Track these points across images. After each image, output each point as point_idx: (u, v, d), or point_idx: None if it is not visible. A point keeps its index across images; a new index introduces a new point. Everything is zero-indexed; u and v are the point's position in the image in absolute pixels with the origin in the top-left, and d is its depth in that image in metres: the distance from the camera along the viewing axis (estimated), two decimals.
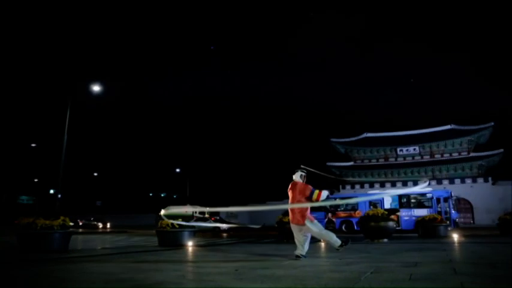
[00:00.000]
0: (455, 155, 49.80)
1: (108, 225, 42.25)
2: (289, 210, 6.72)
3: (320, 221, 23.44)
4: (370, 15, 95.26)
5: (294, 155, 78.18)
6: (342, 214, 24.29)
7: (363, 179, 53.05)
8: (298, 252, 6.52)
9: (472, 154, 48.54)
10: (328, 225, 23.15)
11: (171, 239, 10.96)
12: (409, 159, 52.21)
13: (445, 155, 50.45)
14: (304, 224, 6.48)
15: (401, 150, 53.03)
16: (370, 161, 55.17)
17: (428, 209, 21.48)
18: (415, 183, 48.17)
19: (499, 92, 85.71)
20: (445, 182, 46.65)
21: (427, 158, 51.36)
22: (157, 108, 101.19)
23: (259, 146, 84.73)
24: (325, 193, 6.70)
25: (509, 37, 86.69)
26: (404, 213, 22.35)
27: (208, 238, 17.63)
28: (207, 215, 31.02)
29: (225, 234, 23.83)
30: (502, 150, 45.91)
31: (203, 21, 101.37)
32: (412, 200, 22.81)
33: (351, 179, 51.54)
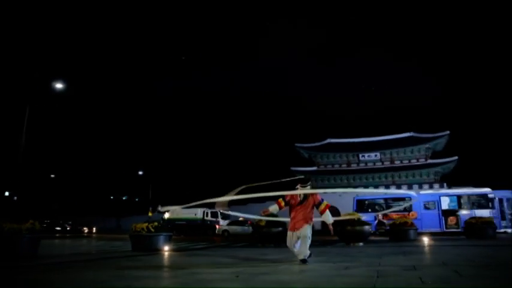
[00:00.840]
0: (414, 161, 51.48)
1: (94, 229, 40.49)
2: (292, 218, 6.59)
3: (369, 223, 22.70)
4: (331, 27, 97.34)
5: (259, 160, 78.25)
6: (394, 215, 22.21)
7: (325, 188, 53.73)
8: (302, 256, 6.36)
9: (429, 161, 50.33)
10: (379, 228, 21.80)
11: (147, 244, 10.50)
12: (370, 165, 53.42)
13: (404, 162, 52.03)
14: (302, 227, 6.34)
15: (363, 156, 54.19)
16: (333, 166, 56.03)
17: (491, 210, 20.35)
18: (376, 188, 49.56)
19: (455, 101, 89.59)
20: (404, 187, 48.06)
21: (387, 164, 52.78)
22: (119, 109, 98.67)
23: (224, 151, 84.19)
24: (329, 214, 6.63)
25: (467, 48, 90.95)
26: (464, 215, 20.82)
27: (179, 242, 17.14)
28: (241, 218, 30.31)
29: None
30: (456, 157, 47.97)
31: (171, 27, 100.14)
32: (473, 201, 21.60)
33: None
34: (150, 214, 37.53)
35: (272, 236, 13.24)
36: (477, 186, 34.10)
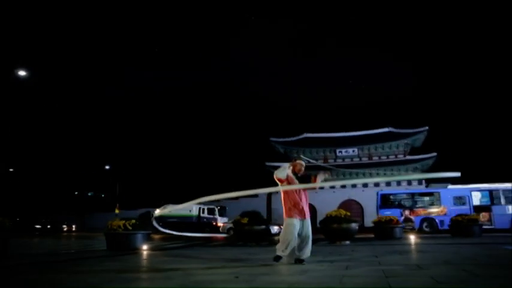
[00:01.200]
0: (392, 157, 52.44)
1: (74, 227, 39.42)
2: (296, 203, 6.03)
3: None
4: (309, 21, 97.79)
5: (233, 154, 77.94)
6: (422, 211, 22.28)
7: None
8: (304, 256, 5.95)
9: (408, 157, 51.38)
10: (406, 224, 21.19)
11: (124, 242, 10.27)
12: (348, 161, 54.09)
13: (382, 158, 52.94)
14: (307, 218, 6.10)
15: (340, 151, 54.83)
16: (308, 162, 56.36)
17: None
18: (354, 185, 50.34)
19: (434, 96, 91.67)
20: (382, 184, 48.99)
21: (365, 160, 53.60)
22: (84, 101, 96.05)
23: (197, 144, 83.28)
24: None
25: (447, 43, 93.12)
26: (497, 211, 20.69)
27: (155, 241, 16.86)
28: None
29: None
30: (435, 154, 49.07)
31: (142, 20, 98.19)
32: (506, 196, 21.00)
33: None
34: (117, 211, 36.82)
35: (254, 234, 13.19)
36: (455, 184, 35.08)
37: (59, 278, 5.17)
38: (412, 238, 13.51)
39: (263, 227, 13.29)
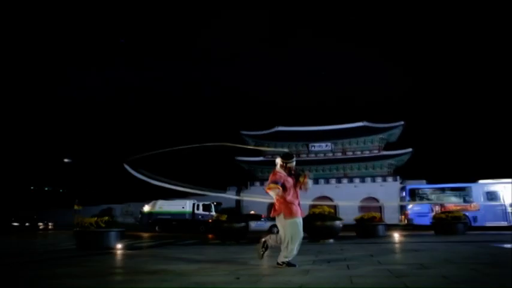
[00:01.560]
0: (366, 153, 53.27)
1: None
2: (295, 202, 5.89)
3: (424, 215, 21.08)
4: (280, 11, 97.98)
5: (200, 148, 77.08)
6: (453, 207, 21.37)
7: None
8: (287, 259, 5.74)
9: (382, 152, 52.30)
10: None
11: (96, 241, 9.99)
12: (321, 156, 54.62)
13: (357, 153, 53.75)
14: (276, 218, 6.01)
15: (313, 146, 55.29)
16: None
17: None
18: (327, 181, 50.91)
19: (411, 91, 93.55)
20: (357, 180, 49.81)
21: (339, 155, 54.28)
22: (42, 92, 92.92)
23: (164, 138, 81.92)
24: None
25: (424, 38, 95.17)
26: None
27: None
28: (252, 212, 28.42)
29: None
30: (410, 149, 50.11)
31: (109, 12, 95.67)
32: None
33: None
34: (76, 207, 35.84)
35: (234, 232, 13.09)
36: (431, 181, 35.92)
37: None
38: (396, 236, 13.73)
39: (243, 224, 13.21)
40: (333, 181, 50.92)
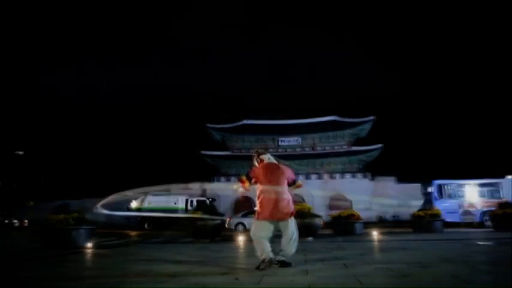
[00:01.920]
0: (336, 148, 54.06)
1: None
2: (273, 199, 5.66)
3: (453, 212, 21.07)
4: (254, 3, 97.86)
5: (165, 142, 76.28)
6: (483, 204, 21.21)
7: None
8: (279, 257, 5.67)
9: (353, 148, 53.20)
10: (466, 217, 20.83)
11: (64, 239, 9.69)
12: (290, 151, 54.94)
13: (327, 148, 54.44)
14: (290, 218, 5.90)
15: (282, 140, 55.64)
16: (249, 151, 56.57)
17: None
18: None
19: (382, 84, 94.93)
20: (326, 176, 50.38)
21: (308, 150, 54.81)
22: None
23: (126, 133, 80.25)
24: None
25: (398, 32, 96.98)
26: None
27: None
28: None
29: None
30: (381, 145, 51.13)
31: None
32: None
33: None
34: (31, 203, 34.82)
35: (208, 230, 12.98)
36: (403, 178, 36.62)
37: None
38: (375, 234, 13.95)
39: (218, 221, 13.11)
40: (302, 177, 51.33)
